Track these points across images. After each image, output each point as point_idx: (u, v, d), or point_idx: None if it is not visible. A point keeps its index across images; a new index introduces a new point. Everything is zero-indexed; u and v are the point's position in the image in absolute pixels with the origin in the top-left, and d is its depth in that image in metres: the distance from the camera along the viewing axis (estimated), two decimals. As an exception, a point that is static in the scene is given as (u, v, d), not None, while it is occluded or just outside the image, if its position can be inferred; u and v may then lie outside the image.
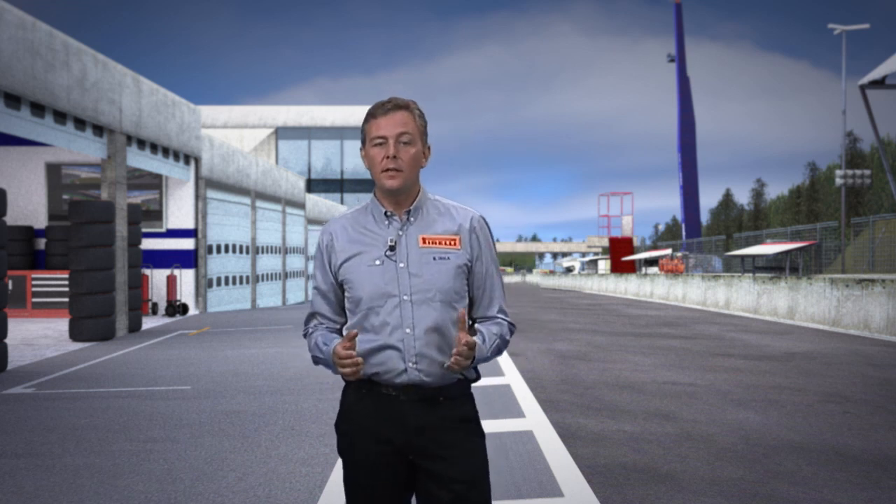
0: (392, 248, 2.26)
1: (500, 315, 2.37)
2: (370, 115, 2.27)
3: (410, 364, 2.23)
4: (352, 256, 2.29)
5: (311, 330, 2.40)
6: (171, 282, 21.23)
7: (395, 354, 2.23)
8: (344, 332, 2.37)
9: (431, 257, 2.26)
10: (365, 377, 2.28)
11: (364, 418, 2.28)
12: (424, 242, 2.28)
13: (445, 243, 2.29)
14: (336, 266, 2.32)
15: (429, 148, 2.35)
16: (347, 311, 2.34)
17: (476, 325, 2.33)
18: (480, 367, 9.58)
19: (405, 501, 2.32)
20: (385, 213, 2.30)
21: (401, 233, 2.28)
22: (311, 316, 2.41)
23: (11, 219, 21.52)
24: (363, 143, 2.31)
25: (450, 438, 2.26)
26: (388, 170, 2.23)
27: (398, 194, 2.28)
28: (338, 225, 2.36)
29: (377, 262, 2.26)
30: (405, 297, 2.23)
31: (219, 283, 24.50)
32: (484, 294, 2.35)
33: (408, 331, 2.23)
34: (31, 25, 12.63)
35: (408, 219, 2.30)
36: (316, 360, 2.34)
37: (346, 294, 2.33)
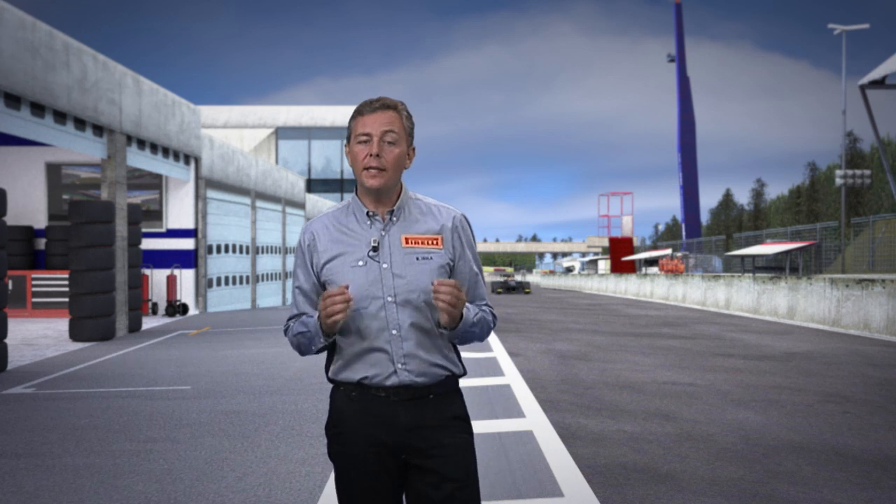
0: (375, 249, 2.25)
1: (484, 306, 2.37)
2: (357, 113, 2.26)
3: (399, 365, 2.22)
4: (335, 257, 2.27)
5: (291, 324, 2.38)
6: (171, 282, 21.23)
7: (384, 357, 2.23)
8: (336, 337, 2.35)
9: (415, 257, 2.25)
10: (353, 381, 2.27)
11: (355, 421, 2.27)
12: (407, 242, 2.26)
13: (428, 243, 2.28)
14: (318, 266, 2.31)
15: (413, 149, 2.33)
16: None
17: None
18: (480, 367, 9.50)
19: (398, 501, 2.32)
20: (367, 213, 2.28)
21: (383, 233, 2.27)
22: (294, 317, 2.39)
23: (11, 219, 21.51)
24: (348, 139, 2.29)
25: (441, 437, 2.25)
26: (370, 168, 2.22)
27: (380, 194, 2.27)
28: (319, 224, 2.34)
29: (360, 263, 2.24)
30: (389, 299, 2.22)
31: (219, 283, 24.50)
32: (468, 292, 2.35)
33: (394, 332, 2.22)
34: (31, 25, 12.63)
35: (390, 219, 2.28)
36: (300, 346, 2.31)
37: None
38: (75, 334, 13.83)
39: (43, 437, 6.19)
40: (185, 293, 22.27)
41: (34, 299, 19.45)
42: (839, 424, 6.74)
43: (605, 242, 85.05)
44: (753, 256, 27.89)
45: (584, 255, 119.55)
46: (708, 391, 8.48)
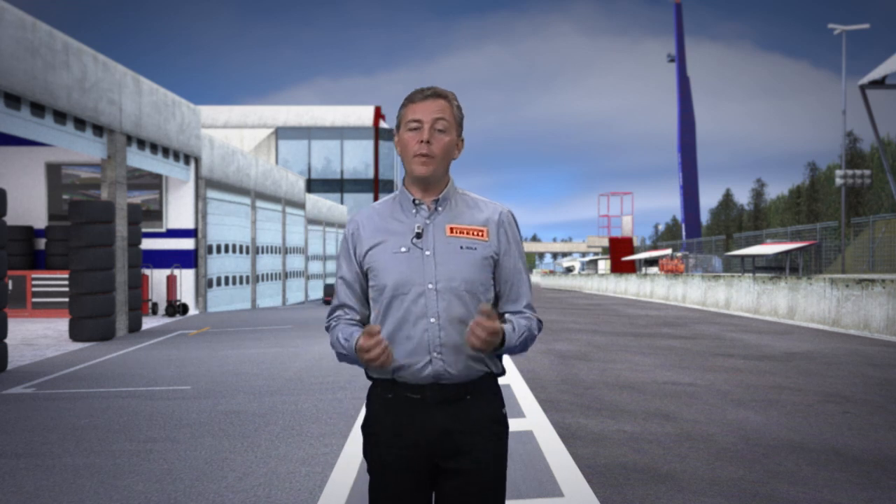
0: (418, 236, 2.23)
1: (527, 310, 2.33)
2: (408, 100, 2.25)
3: (435, 354, 2.19)
4: (377, 244, 2.26)
5: (333, 323, 2.34)
6: (171, 282, 21.23)
7: (420, 345, 2.20)
8: (372, 322, 2.31)
9: (458, 247, 2.23)
10: (388, 376, 2.24)
11: (389, 422, 2.25)
12: (452, 232, 2.24)
13: (473, 234, 2.25)
14: (361, 254, 2.29)
15: (462, 140, 2.32)
16: (371, 301, 2.29)
17: (506, 315, 2.29)
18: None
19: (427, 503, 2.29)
20: (413, 200, 2.27)
21: (428, 221, 2.25)
22: (336, 307, 2.36)
23: (11, 219, 21.50)
24: (397, 128, 2.28)
25: (475, 441, 2.23)
26: (420, 155, 2.21)
27: (428, 182, 2.25)
28: (364, 214, 2.34)
29: (403, 250, 2.22)
30: (430, 286, 2.20)
31: (219, 283, 24.50)
32: (511, 289, 2.32)
33: (432, 320, 2.19)
34: (32, 25, 12.63)
35: (436, 208, 2.27)
36: (340, 357, 2.30)
37: (370, 283, 2.29)
38: (75, 334, 13.83)
39: (43, 437, 6.19)
40: (185, 293, 22.27)
41: (34, 299, 19.45)
42: (839, 424, 6.74)
43: (605, 242, 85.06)
44: (753, 256, 27.91)
45: (584, 255, 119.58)
46: (708, 391, 8.48)
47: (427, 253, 2.22)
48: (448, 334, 2.20)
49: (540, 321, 2.35)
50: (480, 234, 2.26)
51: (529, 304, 2.34)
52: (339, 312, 2.35)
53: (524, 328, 2.26)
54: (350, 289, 2.34)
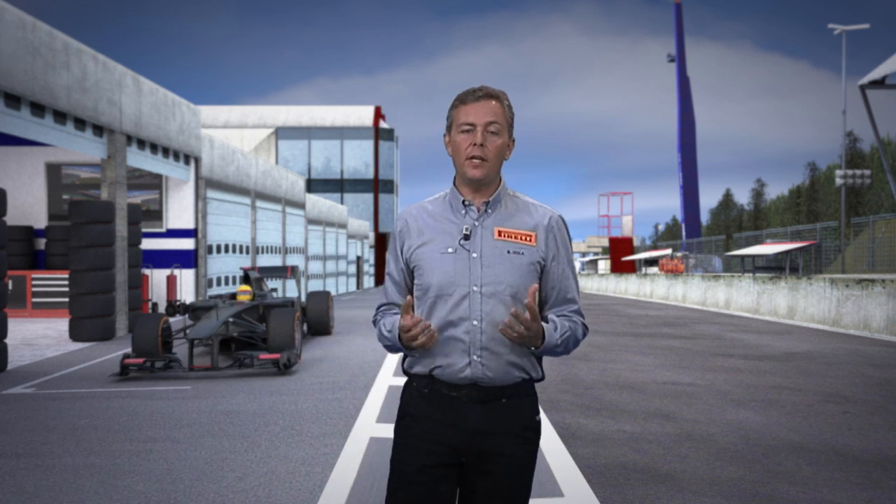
0: (466, 238, 2.21)
1: (573, 315, 2.30)
2: (459, 102, 2.24)
3: (475, 357, 2.17)
4: (425, 243, 2.24)
5: (378, 317, 2.34)
6: (171, 282, 21.23)
7: (460, 346, 2.18)
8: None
9: (506, 250, 2.21)
10: (426, 372, 2.23)
11: (422, 417, 2.24)
12: (500, 235, 2.22)
13: (521, 238, 2.23)
14: (408, 252, 2.27)
15: (513, 141, 2.30)
16: (415, 299, 2.27)
17: (549, 315, 2.27)
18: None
19: (448, 501, 2.26)
20: (463, 201, 2.25)
21: (476, 223, 2.23)
22: (383, 304, 2.36)
23: (11, 219, 21.50)
24: (448, 129, 2.27)
25: (506, 446, 2.21)
26: (472, 158, 2.19)
27: (479, 184, 2.24)
28: (413, 211, 2.32)
29: (449, 250, 2.21)
30: (475, 289, 2.18)
31: (219, 283, 24.49)
32: (558, 294, 2.29)
33: (475, 323, 2.17)
34: (32, 25, 12.62)
35: (485, 210, 2.25)
36: (386, 348, 2.30)
37: (415, 281, 2.27)
38: (75, 334, 13.83)
39: (43, 437, 6.19)
40: (185, 293, 22.27)
41: (34, 299, 19.45)
42: (839, 424, 6.74)
43: (605, 242, 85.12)
44: (753, 256, 27.92)
45: (584, 255, 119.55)
46: (708, 391, 8.48)
47: (474, 255, 2.20)
48: (490, 338, 2.18)
49: (586, 326, 2.32)
50: (529, 238, 2.24)
51: (577, 310, 2.31)
52: (384, 308, 2.36)
53: (567, 329, 2.23)
54: (397, 286, 2.33)
